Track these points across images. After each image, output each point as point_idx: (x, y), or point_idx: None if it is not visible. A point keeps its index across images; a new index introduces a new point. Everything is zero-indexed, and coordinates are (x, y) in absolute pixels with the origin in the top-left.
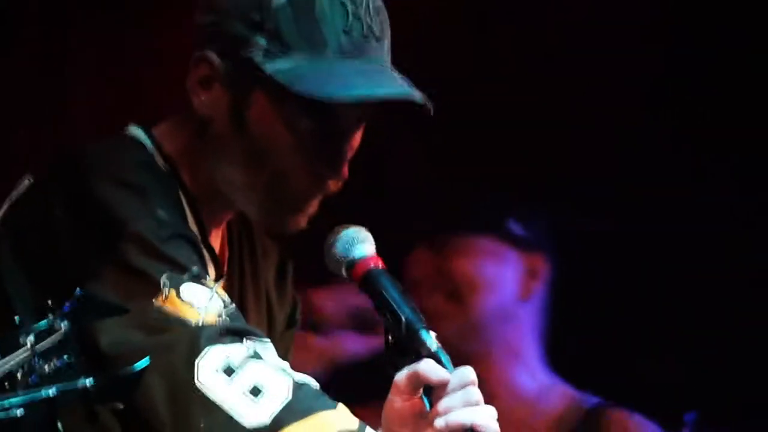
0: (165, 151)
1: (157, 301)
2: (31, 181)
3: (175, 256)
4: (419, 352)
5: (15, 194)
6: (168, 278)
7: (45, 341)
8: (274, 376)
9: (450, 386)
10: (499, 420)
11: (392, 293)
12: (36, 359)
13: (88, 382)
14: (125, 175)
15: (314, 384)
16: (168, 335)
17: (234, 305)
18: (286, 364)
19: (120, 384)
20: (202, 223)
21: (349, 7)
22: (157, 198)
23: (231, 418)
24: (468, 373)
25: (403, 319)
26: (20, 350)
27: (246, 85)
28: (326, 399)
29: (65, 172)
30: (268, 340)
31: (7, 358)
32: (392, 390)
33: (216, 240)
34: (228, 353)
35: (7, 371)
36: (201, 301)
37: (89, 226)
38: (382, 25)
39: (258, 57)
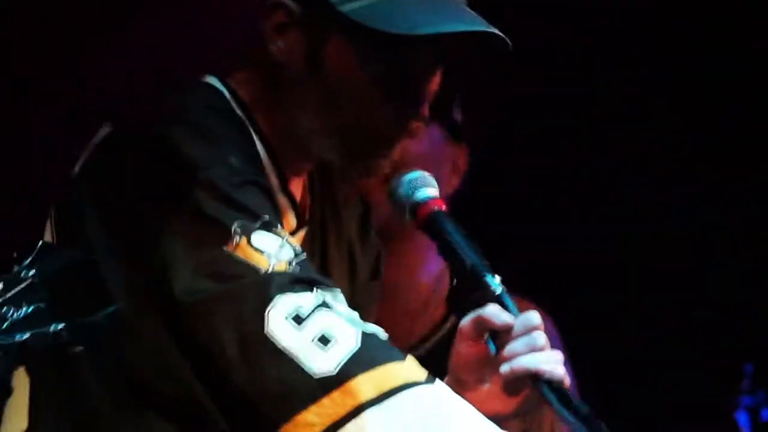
0: (241, 98)
1: (228, 248)
2: (109, 128)
3: (246, 203)
4: (484, 296)
5: (93, 142)
6: (239, 226)
7: (14, 289)
8: (343, 326)
9: (515, 330)
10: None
11: (456, 237)
12: (6, 307)
13: (60, 326)
14: (199, 120)
15: (383, 335)
16: (238, 283)
17: (304, 254)
18: (355, 314)
19: (90, 328)
20: (281, 170)
21: None
22: (230, 144)
23: (299, 366)
24: (533, 317)
25: (468, 262)
26: None
27: (322, 27)
28: (395, 350)
29: (142, 119)
30: (339, 289)
31: None
32: (457, 335)
33: (297, 188)
34: (297, 302)
35: None
36: (272, 249)
37: (161, 173)
38: None
39: None
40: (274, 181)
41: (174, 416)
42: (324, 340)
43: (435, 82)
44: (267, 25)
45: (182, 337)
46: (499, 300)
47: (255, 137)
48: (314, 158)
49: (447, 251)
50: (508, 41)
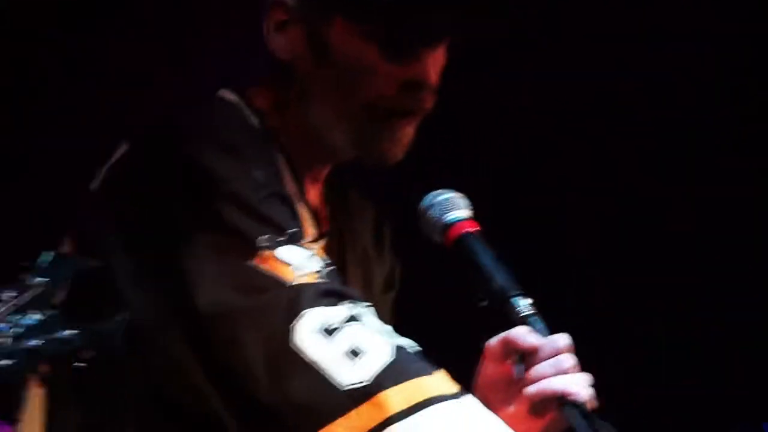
0: (257, 109)
1: (253, 261)
2: (128, 146)
3: (272, 216)
4: (512, 317)
5: (113, 160)
6: (265, 239)
7: (27, 296)
8: (374, 339)
9: (542, 353)
10: None
11: (485, 258)
12: (19, 314)
13: (72, 332)
14: (220, 136)
15: (416, 348)
16: (265, 296)
17: (332, 267)
18: (388, 327)
19: (103, 335)
20: (300, 180)
21: None
22: (252, 158)
23: (328, 378)
24: (561, 339)
25: (497, 284)
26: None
27: (322, 14)
28: (426, 364)
29: (161, 136)
30: (369, 303)
31: None
32: (484, 356)
33: (315, 197)
34: (326, 315)
35: None
36: (298, 261)
37: (185, 188)
38: None
39: None
40: (294, 191)
41: (192, 429)
42: (354, 354)
43: (440, 57)
44: (268, 25)
45: (205, 350)
46: (527, 322)
47: (274, 148)
48: (330, 154)
49: (477, 272)
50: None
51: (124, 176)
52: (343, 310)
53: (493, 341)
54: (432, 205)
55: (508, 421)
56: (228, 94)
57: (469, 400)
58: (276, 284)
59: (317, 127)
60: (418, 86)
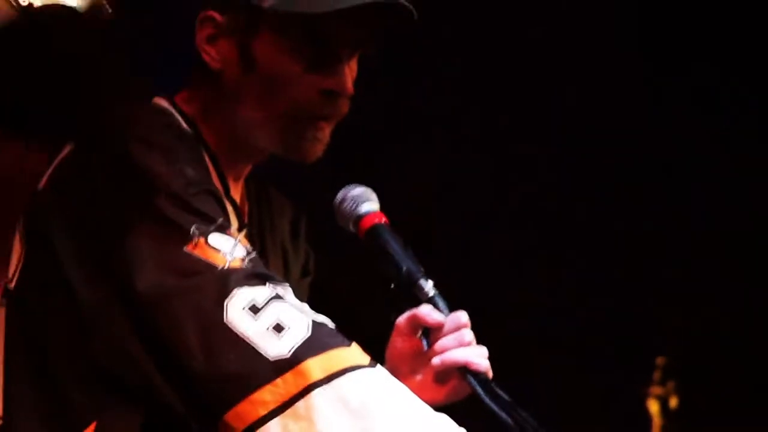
0: (186, 114)
1: (188, 248)
2: (72, 146)
3: (203, 209)
4: (418, 297)
5: (58, 158)
6: (197, 228)
7: None
8: (295, 315)
9: (445, 328)
10: None
11: (394, 246)
12: None
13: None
14: (155, 138)
15: (331, 324)
16: (198, 278)
17: (255, 253)
18: (305, 305)
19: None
20: (224, 178)
21: None
22: (184, 157)
23: (256, 350)
24: (461, 316)
25: (404, 268)
26: None
27: (249, 28)
28: (341, 337)
29: (102, 137)
30: (287, 284)
31: None
32: (394, 331)
33: (236, 193)
34: (253, 294)
35: None
36: (227, 248)
37: (126, 185)
38: None
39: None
40: (219, 187)
41: (137, 401)
42: (278, 328)
43: (354, 64)
44: (199, 39)
45: (144, 329)
46: (432, 301)
47: (202, 149)
48: (252, 153)
49: (386, 259)
50: (414, 11)
51: (69, 174)
52: (267, 290)
53: (402, 318)
54: (345, 199)
55: (416, 389)
56: (160, 101)
57: (380, 370)
58: (208, 268)
59: (245, 130)
60: (336, 94)
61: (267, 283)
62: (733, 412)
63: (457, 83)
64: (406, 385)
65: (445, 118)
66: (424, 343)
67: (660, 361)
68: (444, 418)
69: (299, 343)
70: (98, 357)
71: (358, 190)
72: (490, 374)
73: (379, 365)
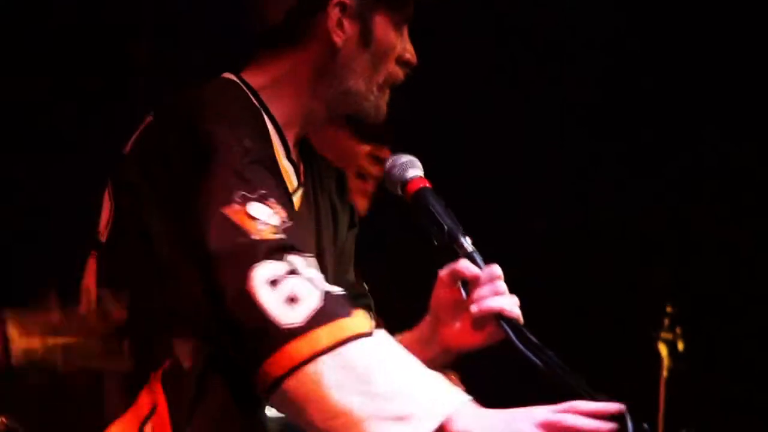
0: (254, 88)
1: (227, 211)
2: (153, 116)
3: (251, 178)
4: (458, 253)
5: (141, 127)
6: (240, 196)
7: None
8: (309, 288)
9: (481, 280)
10: None
11: (437, 207)
12: None
13: None
14: (222, 110)
15: (342, 294)
16: (231, 244)
17: (291, 222)
18: (321, 276)
19: None
20: (286, 143)
21: None
22: (247, 128)
23: (271, 320)
24: (495, 269)
25: (446, 227)
26: None
27: (371, 12)
28: (348, 307)
29: (177, 109)
30: (312, 255)
31: None
32: (437, 283)
33: (295, 157)
34: (272, 269)
35: None
36: (264, 216)
37: (193, 151)
38: None
39: None
40: (280, 151)
41: (195, 336)
42: (292, 300)
43: None
44: (330, 22)
45: (202, 277)
46: (470, 256)
47: (266, 119)
48: (321, 120)
49: (430, 219)
50: None
51: (150, 139)
52: (286, 265)
53: (444, 271)
54: (393, 165)
55: (456, 334)
56: (229, 75)
57: (382, 335)
58: (242, 234)
59: (352, 95)
60: (409, 62)
61: (290, 256)
62: (731, 353)
63: None
64: (448, 330)
65: None
66: (463, 293)
67: (669, 309)
68: (440, 378)
69: (310, 314)
70: (169, 300)
71: (405, 158)
72: (522, 320)
73: (382, 333)
